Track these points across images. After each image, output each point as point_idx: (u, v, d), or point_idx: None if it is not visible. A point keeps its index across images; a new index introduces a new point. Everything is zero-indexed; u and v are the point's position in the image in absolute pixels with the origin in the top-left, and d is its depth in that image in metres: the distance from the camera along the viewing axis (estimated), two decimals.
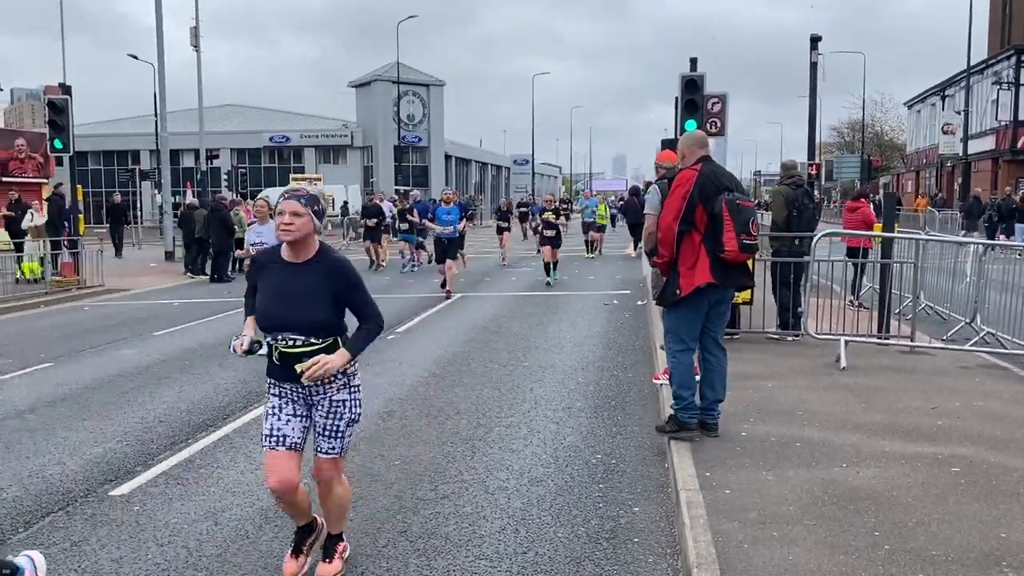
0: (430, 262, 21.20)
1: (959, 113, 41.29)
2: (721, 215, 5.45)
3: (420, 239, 21.46)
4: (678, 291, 5.66)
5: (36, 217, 21.75)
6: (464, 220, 15.71)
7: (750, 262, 9.07)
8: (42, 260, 18.83)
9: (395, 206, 23.11)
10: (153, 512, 5.04)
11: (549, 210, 17.79)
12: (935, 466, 5.19)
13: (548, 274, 17.24)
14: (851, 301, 11.02)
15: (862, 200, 13.32)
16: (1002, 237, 25.84)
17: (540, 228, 18.01)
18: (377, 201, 22.96)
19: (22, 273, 18.24)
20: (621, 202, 48.78)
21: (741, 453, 5.48)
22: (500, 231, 24.06)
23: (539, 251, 18.67)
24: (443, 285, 15.31)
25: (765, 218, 14.26)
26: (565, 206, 48.32)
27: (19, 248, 18.68)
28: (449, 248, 15.22)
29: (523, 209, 37.07)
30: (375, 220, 21.95)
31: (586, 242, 25.45)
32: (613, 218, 41.81)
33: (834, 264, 10.34)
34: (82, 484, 5.56)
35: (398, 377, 8.59)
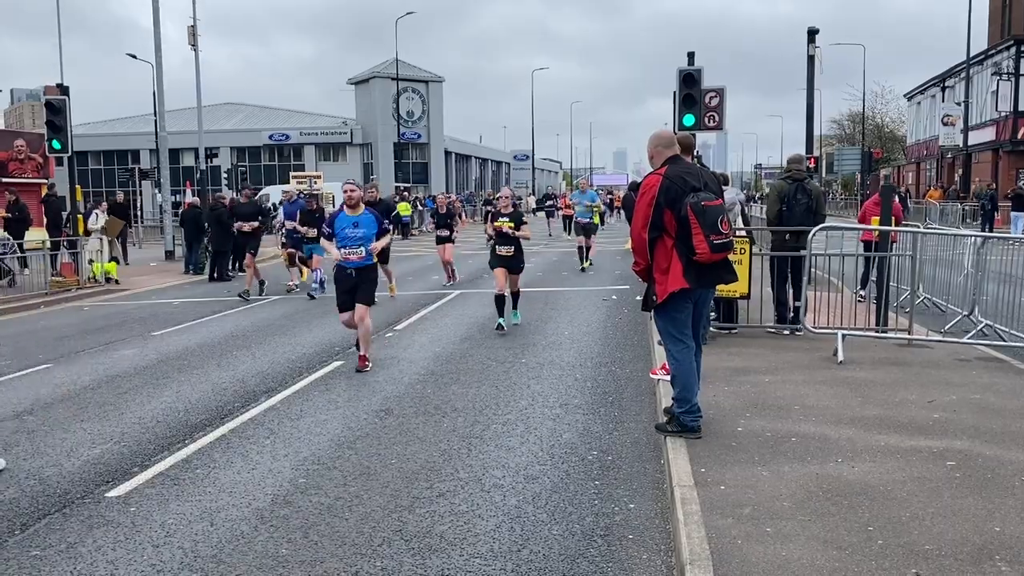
0: (292, 289, 16.04)
1: (959, 104, 41.22)
2: (687, 219, 5.44)
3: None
4: (654, 297, 5.67)
5: (100, 218, 22.19)
6: (387, 235, 9.35)
7: (743, 257, 9.14)
8: (116, 260, 19.95)
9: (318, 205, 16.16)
10: (149, 513, 5.05)
11: (505, 215, 11.08)
12: (930, 460, 5.18)
13: (502, 312, 11.12)
14: (856, 293, 11.00)
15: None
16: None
17: (492, 242, 11.39)
18: (254, 196, 17.08)
19: (93, 274, 18.52)
20: (609, 196, 48.09)
21: (736, 449, 5.48)
22: (440, 241, 16.87)
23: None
24: (357, 346, 9.13)
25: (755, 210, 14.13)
26: (550, 202, 43.34)
27: (19, 249, 18.69)
28: (360, 286, 8.82)
29: (489, 208, 29.29)
30: (252, 224, 16.41)
31: (579, 249, 19.65)
32: (602, 216, 39.22)
33: (831, 258, 10.32)
34: (79, 485, 5.58)
35: (396, 375, 8.60)
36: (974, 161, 41.59)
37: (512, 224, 11.01)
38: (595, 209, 19.89)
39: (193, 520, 4.91)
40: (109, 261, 19.96)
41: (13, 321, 14.10)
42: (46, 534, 4.79)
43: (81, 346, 11.00)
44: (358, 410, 7.27)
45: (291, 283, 16.43)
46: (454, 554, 4.35)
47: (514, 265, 11.14)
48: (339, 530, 4.69)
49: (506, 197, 11.45)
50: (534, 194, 60.82)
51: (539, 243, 29.26)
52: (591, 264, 19.70)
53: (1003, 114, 39.15)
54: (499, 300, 11.08)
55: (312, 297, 15.02)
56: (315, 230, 14.70)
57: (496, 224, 11.12)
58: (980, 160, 42.26)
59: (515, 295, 11.38)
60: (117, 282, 18.79)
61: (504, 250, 11.03)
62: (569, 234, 30.54)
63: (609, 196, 48.32)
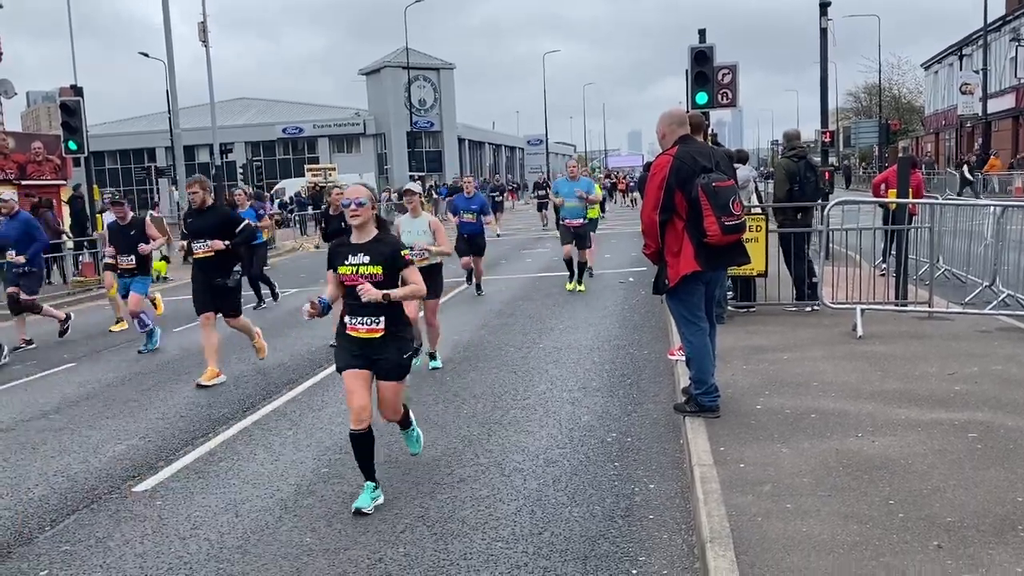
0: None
1: (977, 72, 40.65)
2: (698, 200, 5.41)
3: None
4: (666, 281, 5.66)
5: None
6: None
7: (759, 235, 9.09)
8: (167, 259, 20.50)
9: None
10: (175, 506, 5.12)
11: (361, 250, 4.82)
12: (951, 432, 5.16)
13: (369, 470, 4.86)
14: (880, 266, 10.91)
15: (913, 169, 13.04)
16: None
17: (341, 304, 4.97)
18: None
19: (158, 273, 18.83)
20: (609, 181, 47.12)
21: (756, 427, 5.47)
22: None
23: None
24: None
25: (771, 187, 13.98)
26: (541, 191, 31.62)
27: None
28: None
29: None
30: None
31: (567, 263, 13.22)
32: (603, 202, 32.69)
33: (847, 232, 10.25)
34: (106, 481, 5.67)
35: (414, 363, 8.63)
36: (994, 129, 41.02)
37: (378, 269, 4.76)
38: (591, 203, 13.24)
39: (218, 512, 4.98)
40: (160, 260, 20.23)
41: (36, 322, 14.27)
42: (75, 529, 4.88)
43: (103, 344, 11.14)
44: None
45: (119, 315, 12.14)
46: (476, 538, 4.39)
47: (385, 366, 4.88)
48: (362, 518, 4.74)
49: (336, 194, 5.33)
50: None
51: (546, 232, 29.18)
52: (590, 275, 14.27)
53: (1022, 80, 38.57)
54: (360, 443, 4.83)
55: (141, 352, 10.29)
56: (131, 257, 10.26)
57: (342, 270, 4.83)
58: (1000, 128, 41.69)
59: (407, 421, 5.38)
60: (167, 279, 19.10)
61: (362, 326, 4.80)
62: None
63: (609, 180, 46.74)
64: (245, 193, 14.09)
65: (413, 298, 4.97)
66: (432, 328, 8.33)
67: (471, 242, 12.89)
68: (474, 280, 13.61)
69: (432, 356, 8.40)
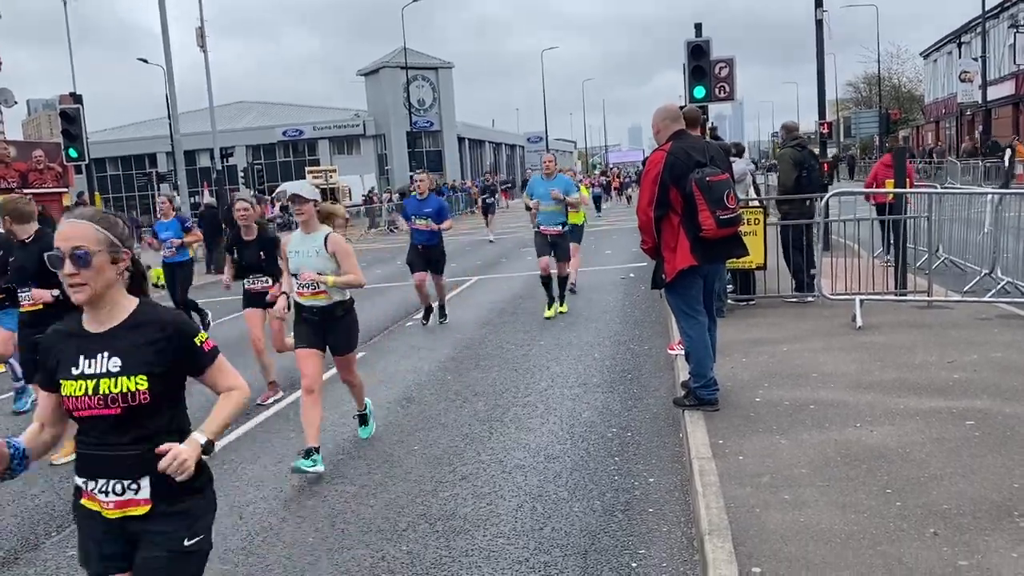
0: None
1: (976, 60, 40.57)
2: (693, 195, 5.44)
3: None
4: (663, 276, 5.69)
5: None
6: None
7: (757, 228, 9.11)
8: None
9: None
10: None
11: (95, 371, 2.48)
12: (950, 420, 5.18)
13: None
14: (882, 257, 10.92)
15: None
16: None
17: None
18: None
19: (154, 281, 18.76)
20: (604, 178, 47.23)
21: (755, 419, 5.50)
22: (251, 302, 7.68)
23: None
24: None
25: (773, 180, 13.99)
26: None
27: None
28: None
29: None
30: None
31: (543, 281, 10.73)
32: (598, 200, 33.33)
33: (846, 223, 10.27)
34: None
35: (416, 363, 8.68)
36: (994, 117, 40.94)
37: (140, 381, 2.51)
38: (574, 206, 10.98)
39: (222, 514, 4.99)
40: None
41: None
42: None
43: None
44: (380, 399, 7.34)
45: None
46: (477, 535, 4.42)
47: (153, 563, 2.57)
48: (365, 517, 4.78)
49: (66, 261, 2.47)
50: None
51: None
52: (572, 291, 12.03)
53: (1021, 67, 38.47)
54: None
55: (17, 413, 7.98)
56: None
57: (68, 389, 2.51)
58: (1000, 115, 41.61)
59: None
60: (161, 287, 18.98)
61: (108, 498, 2.55)
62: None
63: (604, 178, 46.89)
64: (170, 201, 11.64)
65: (230, 420, 2.84)
66: (354, 387, 6.12)
67: (427, 255, 10.33)
68: (436, 302, 10.85)
69: (363, 420, 6.25)
